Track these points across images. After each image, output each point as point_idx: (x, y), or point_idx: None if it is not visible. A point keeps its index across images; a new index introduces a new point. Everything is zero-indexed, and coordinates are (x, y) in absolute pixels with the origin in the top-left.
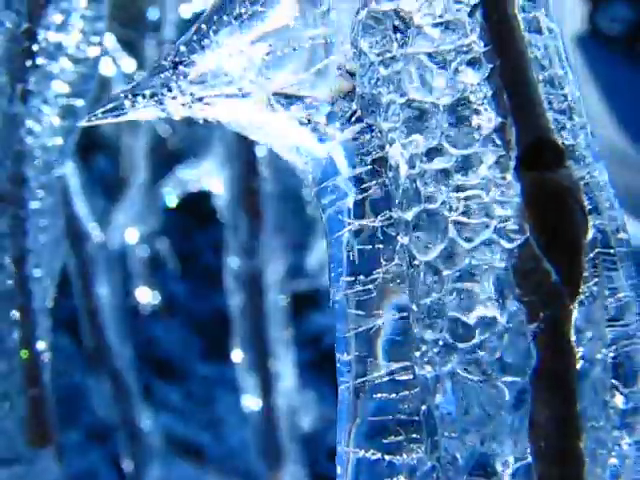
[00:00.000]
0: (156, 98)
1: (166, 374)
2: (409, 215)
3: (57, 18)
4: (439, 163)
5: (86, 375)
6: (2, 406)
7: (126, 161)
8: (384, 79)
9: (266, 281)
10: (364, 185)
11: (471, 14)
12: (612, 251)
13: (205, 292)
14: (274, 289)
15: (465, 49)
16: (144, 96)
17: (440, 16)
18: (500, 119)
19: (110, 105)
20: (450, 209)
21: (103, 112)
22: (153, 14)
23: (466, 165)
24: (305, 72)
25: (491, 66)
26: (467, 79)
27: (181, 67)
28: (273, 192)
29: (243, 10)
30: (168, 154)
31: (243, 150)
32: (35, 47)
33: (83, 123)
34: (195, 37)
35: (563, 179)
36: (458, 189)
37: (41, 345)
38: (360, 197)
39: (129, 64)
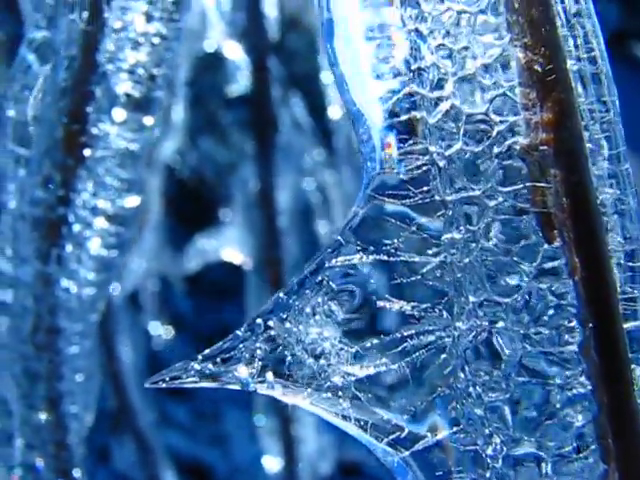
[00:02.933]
0: (226, 376)
1: (173, 391)
2: None
3: (90, 184)
4: None
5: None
6: None
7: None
8: None
9: None
10: None
11: None
12: None
13: (211, 308)
14: None
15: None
16: (215, 365)
17: None
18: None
19: (177, 373)
20: None
21: (170, 379)
22: None
23: None
24: None
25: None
26: None
27: (261, 337)
28: (296, 261)
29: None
30: (183, 193)
31: (265, 219)
32: (71, 216)
33: (148, 385)
34: (273, 312)
35: None
36: None
37: (77, 473)
38: None
39: None
